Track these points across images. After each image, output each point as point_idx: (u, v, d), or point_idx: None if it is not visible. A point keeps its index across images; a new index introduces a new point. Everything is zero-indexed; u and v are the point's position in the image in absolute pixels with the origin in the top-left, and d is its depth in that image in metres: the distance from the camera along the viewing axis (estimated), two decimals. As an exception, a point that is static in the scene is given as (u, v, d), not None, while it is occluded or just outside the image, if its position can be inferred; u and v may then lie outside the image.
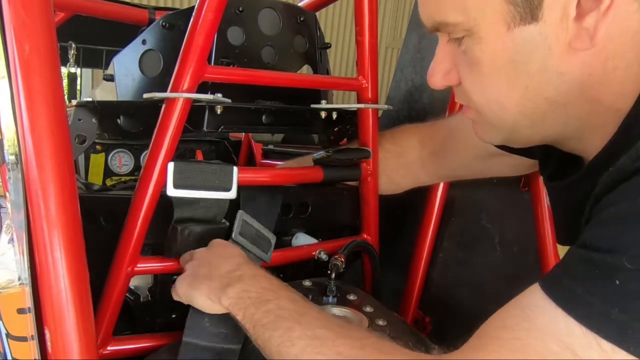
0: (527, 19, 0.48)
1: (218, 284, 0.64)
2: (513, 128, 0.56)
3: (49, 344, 0.53)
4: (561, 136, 0.56)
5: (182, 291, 0.68)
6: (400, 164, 0.95)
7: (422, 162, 0.94)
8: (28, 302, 0.54)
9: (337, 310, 0.75)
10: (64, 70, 1.62)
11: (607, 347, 0.40)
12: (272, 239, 0.83)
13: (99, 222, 0.79)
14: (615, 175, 0.45)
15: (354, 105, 0.88)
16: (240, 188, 0.78)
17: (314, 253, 0.88)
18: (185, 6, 1.09)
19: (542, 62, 0.49)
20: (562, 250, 0.64)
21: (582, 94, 0.50)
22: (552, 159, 0.64)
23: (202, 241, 0.76)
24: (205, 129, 0.79)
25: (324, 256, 0.88)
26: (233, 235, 0.78)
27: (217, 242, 0.73)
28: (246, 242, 0.79)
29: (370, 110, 0.88)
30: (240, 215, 0.79)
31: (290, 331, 0.56)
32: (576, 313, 0.42)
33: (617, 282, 0.39)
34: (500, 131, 0.58)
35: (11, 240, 0.58)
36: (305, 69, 0.96)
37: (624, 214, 0.42)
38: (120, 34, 1.17)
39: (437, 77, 0.58)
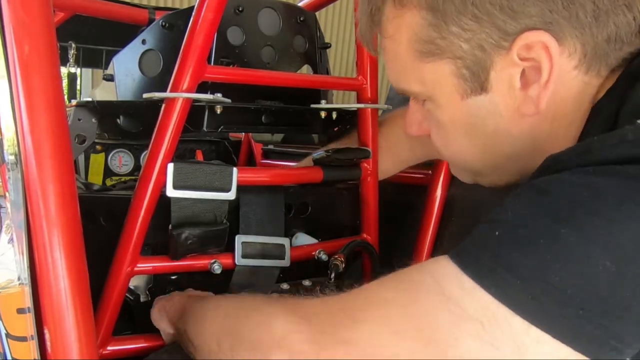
0: (477, 90, 0.53)
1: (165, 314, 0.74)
2: (477, 174, 0.63)
3: (48, 344, 0.53)
4: (521, 180, 0.59)
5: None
6: (391, 156, 0.95)
7: (411, 149, 0.95)
8: (28, 302, 0.54)
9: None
10: (64, 70, 1.62)
11: (468, 283, 0.42)
12: (284, 241, 0.84)
13: (99, 222, 0.79)
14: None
15: (354, 105, 0.88)
16: (240, 192, 0.78)
17: (314, 253, 0.88)
18: (185, 6, 1.08)
19: (494, 125, 0.54)
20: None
21: (534, 149, 0.55)
22: None
23: (203, 243, 0.76)
24: (205, 129, 0.79)
25: (324, 256, 0.88)
26: (237, 261, 0.79)
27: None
28: (254, 260, 0.80)
29: (370, 110, 0.88)
30: (238, 239, 0.79)
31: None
32: (454, 257, 0.44)
33: (497, 233, 0.43)
34: (469, 174, 0.65)
35: (11, 240, 0.58)
36: (305, 69, 0.96)
37: (512, 195, 0.46)
38: (120, 34, 1.17)
39: (413, 128, 0.64)
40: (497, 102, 0.52)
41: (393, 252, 1.05)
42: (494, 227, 0.44)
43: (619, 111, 0.47)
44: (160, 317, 0.73)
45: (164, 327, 0.73)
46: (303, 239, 0.93)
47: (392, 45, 0.55)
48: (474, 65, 0.51)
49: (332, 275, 0.80)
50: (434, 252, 1.03)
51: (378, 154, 0.92)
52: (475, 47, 0.50)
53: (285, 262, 0.83)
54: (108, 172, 1.45)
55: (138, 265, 0.74)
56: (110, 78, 0.90)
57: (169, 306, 0.73)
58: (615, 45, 0.50)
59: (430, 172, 1.03)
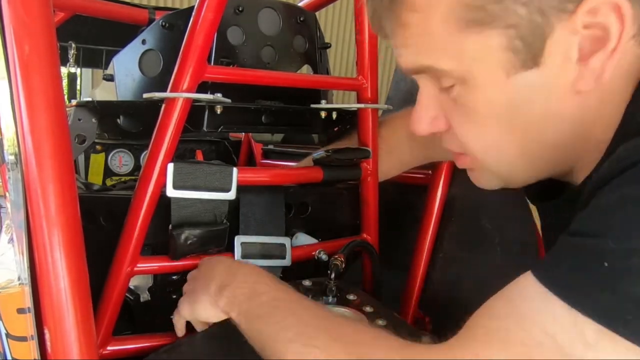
0: (527, 64, 0.46)
1: (214, 289, 0.64)
2: (511, 172, 0.55)
3: (48, 344, 0.53)
4: (553, 173, 0.56)
5: (185, 311, 0.69)
6: (391, 159, 0.95)
7: (412, 152, 0.94)
8: (28, 302, 0.54)
9: (338, 310, 0.75)
10: (64, 70, 1.62)
11: (592, 332, 0.38)
12: (285, 240, 0.84)
13: (99, 222, 0.79)
14: (596, 184, 0.44)
15: (354, 105, 0.88)
16: (240, 192, 0.78)
17: (314, 253, 0.88)
18: (185, 6, 1.08)
19: (541, 106, 0.48)
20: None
21: (578, 135, 0.50)
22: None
23: (203, 243, 0.76)
24: (205, 129, 0.79)
25: (324, 256, 0.88)
26: None
27: (206, 259, 0.73)
28: (254, 261, 0.81)
29: (370, 110, 0.88)
30: (237, 239, 0.79)
31: (284, 320, 0.56)
32: (563, 294, 0.40)
33: (606, 264, 0.38)
34: (498, 177, 0.57)
35: (11, 240, 0.58)
36: (305, 69, 0.96)
37: (606, 203, 0.41)
38: (120, 34, 1.17)
39: (423, 124, 0.55)
40: (549, 77, 0.46)
41: (393, 252, 1.05)
42: (599, 256, 0.39)
43: None
44: (197, 308, 0.65)
45: (206, 313, 0.65)
46: (303, 239, 0.93)
47: (420, 19, 0.48)
48: (529, 34, 0.44)
49: (332, 275, 0.80)
50: (434, 252, 1.03)
51: (380, 157, 0.92)
52: (535, 12, 0.43)
53: (286, 262, 0.83)
54: (108, 172, 1.45)
55: (138, 265, 0.74)
56: (110, 78, 0.90)
57: (206, 292, 0.65)
58: None
59: (430, 172, 1.04)
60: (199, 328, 0.70)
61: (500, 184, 0.58)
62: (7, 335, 0.59)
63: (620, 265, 0.38)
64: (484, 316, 0.47)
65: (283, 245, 0.83)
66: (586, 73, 0.46)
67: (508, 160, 0.53)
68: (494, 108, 0.49)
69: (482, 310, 0.48)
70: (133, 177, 1.45)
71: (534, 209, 0.73)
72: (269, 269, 0.83)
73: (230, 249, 0.80)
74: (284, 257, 0.83)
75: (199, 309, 0.66)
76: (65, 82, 1.64)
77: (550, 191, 0.61)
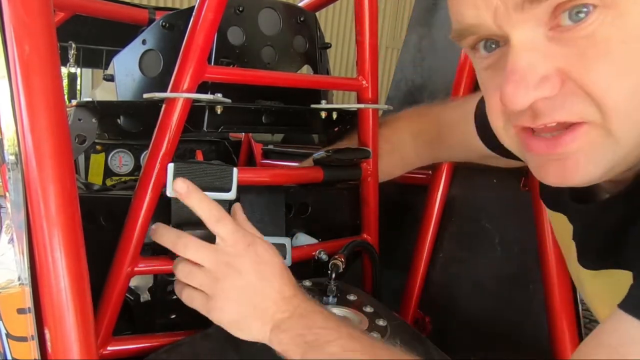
0: None
1: (261, 324, 0.55)
2: (627, 151, 0.44)
3: (49, 344, 0.53)
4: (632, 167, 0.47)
5: (211, 313, 0.57)
6: (394, 158, 0.95)
7: (416, 152, 0.94)
8: (28, 302, 0.54)
9: (337, 311, 0.75)
10: (64, 70, 1.62)
11: None
12: (286, 242, 0.84)
13: (99, 222, 0.79)
14: None
15: (354, 106, 0.88)
16: (240, 193, 0.78)
17: (314, 253, 0.88)
18: (185, 6, 1.08)
19: None
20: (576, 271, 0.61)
21: None
22: None
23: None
24: (205, 129, 0.79)
25: (324, 256, 0.88)
26: None
27: (260, 244, 0.58)
28: None
29: (370, 110, 0.88)
30: None
31: None
32: None
33: None
34: (613, 151, 0.44)
35: (11, 240, 0.58)
36: (305, 69, 0.96)
37: None
38: (120, 34, 1.17)
39: (530, 90, 0.41)
40: None
41: (393, 253, 1.05)
42: None
43: None
44: (232, 328, 0.57)
45: (243, 336, 0.56)
46: (303, 239, 0.93)
47: None
48: None
49: (332, 275, 0.80)
50: (434, 252, 1.03)
51: (381, 157, 0.92)
52: None
53: (287, 262, 0.83)
54: (108, 172, 1.45)
55: (138, 265, 0.74)
56: (110, 78, 0.90)
57: (248, 321, 0.56)
58: None
59: (430, 172, 1.04)
60: None
61: (601, 172, 0.45)
62: (7, 335, 0.59)
63: None
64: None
65: (283, 245, 0.83)
66: None
67: (629, 106, 0.41)
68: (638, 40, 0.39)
69: None
70: (133, 177, 1.45)
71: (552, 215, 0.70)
72: None
73: None
74: (284, 258, 0.83)
75: (240, 329, 0.56)
76: (65, 82, 1.64)
77: (580, 197, 0.58)
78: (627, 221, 0.45)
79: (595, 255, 0.56)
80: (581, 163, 0.44)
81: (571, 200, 0.58)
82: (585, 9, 0.39)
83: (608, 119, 0.42)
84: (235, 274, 0.56)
